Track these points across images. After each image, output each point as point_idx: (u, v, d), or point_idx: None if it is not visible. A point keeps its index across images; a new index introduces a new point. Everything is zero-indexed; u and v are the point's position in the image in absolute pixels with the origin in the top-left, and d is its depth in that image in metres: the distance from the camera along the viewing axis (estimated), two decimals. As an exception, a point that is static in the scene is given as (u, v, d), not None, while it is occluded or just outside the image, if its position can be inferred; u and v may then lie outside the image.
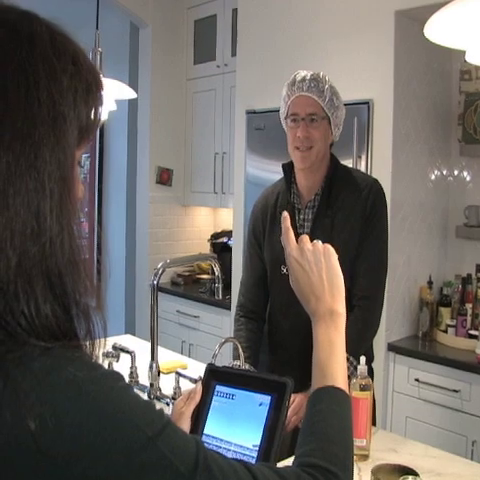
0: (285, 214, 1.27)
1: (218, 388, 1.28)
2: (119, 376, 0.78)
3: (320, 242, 1.22)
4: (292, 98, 2.35)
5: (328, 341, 1.15)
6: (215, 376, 1.31)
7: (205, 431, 1.26)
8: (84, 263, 0.80)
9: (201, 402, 1.29)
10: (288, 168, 2.48)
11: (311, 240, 1.23)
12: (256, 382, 1.25)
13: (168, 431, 0.77)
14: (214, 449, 1.20)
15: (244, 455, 1.19)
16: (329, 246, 1.22)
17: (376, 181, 2.41)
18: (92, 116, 0.83)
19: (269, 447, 1.17)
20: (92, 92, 0.82)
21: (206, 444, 1.22)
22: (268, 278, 2.51)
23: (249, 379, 1.28)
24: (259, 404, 1.21)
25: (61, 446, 0.69)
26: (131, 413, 0.74)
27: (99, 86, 0.84)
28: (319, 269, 1.18)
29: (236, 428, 1.23)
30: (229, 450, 1.21)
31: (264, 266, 2.52)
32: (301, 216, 2.42)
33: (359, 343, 2.29)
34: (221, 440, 1.24)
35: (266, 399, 1.20)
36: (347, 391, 1.10)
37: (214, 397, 1.28)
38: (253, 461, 1.17)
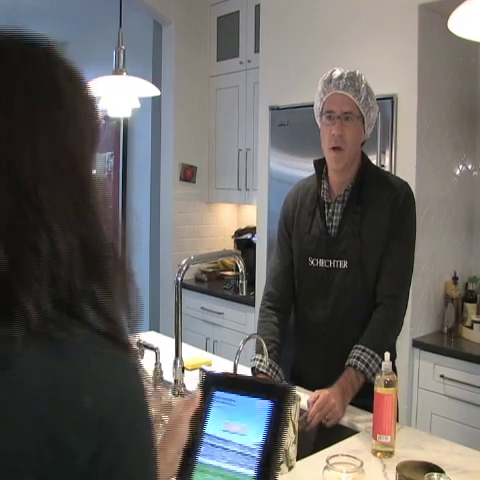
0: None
1: (217, 394, 1.26)
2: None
3: None
4: (328, 95, 2.35)
5: None
6: (213, 383, 1.30)
7: (205, 431, 1.25)
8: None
9: (200, 408, 1.28)
10: (319, 164, 2.49)
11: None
12: (256, 388, 1.24)
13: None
14: (211, 448, 1.21)
15: (244, 455, 1.18)
16: None
17: (407, 184, 2.44)
18: (96, 120, 0.89)
19: (271, 449, 1.15)
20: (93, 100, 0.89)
21: (205, 443, 1.23)
22: (295, 268, 2.52)
23: (249, 385, 1.26)
24: (260, 409, 1.20)
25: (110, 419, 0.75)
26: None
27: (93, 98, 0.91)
28: None
29: (236, 430, 1.22)
30: (228, 450, 1.20)
31: (293, 255, 2.54)
32: (330, 210, 2.43)
33: (383, 342, 2.29)
34: (220, 439, 1.23)
35: (267, 404, 1.19)
36: None
37: (213, 403, 1.27)
38: (254, 461, 1.16)
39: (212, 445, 1.22)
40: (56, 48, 0.86)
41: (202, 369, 2.04)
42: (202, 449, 1.22)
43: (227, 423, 1.22)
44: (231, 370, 2.14)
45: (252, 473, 1.15)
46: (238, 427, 1.21)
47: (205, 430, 1.24)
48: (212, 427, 1.24)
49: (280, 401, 1.18)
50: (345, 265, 2.36)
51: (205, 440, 1.23)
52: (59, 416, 0.72)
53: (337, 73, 2.34)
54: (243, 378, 1.38)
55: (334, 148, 2.34)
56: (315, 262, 2.42)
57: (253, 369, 2.40)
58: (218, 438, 1.22)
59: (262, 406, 1.19)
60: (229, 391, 1.25)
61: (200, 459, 1.20)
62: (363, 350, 2.25)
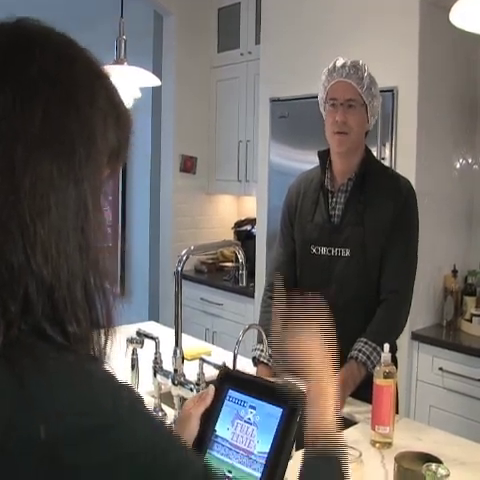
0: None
1: (230, 393, 1.26)
2: (134, 391, 0.78)
3: None
4: (332, 83, 2.36)
5: None
6: (229, 380, 1.29)
7: (216, 433, 1.25)
8: (111, 269, 0.83)
9: (212, 405, 1.27)
10: (323, 155, 2.49)
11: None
12: (269, 392, 1.23)
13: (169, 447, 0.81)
14: (223, 452, 1.21)
15: (250, 460, 1.18)
16: None
17: (409, 181, 2.46)
18: (121, 144, 0.87)
19: (277, 458, 1.16)
20: (121, 120, 0.86)
21: (217, 445, 1.23)
22: (297, 257, 2.52)
23: (263, 388, 1.25)
24: (270, 415, 1.20)
25: (71, 457, 0.68)
26: (141, 438, 0.75)
27: (128, 117, 0.89)
28: None
29: (244, 434, 1.22)
30: (238, 453, 1.21)
31: (295, 245, 2.54)
32: (334, 199, 2.44)
33: (386, 338, 2.27)
34: (229, 443, 1.23)
35: (278, 411, 1.19)
36: None
37: (225, 402, 1.27)
38: (260, 468, 1.16)
39: (222, 445, 1.22)
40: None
41: (202, 359, 2.04)
42: (213, 446, 1.23)
43: (236, 424, 1.22)
44: (230, 360, 2.14)
45: (259, 475, 1.15)
46: (245, 432, 1.21)
47: (216, 428, 1.25)
48: (221, 427, 1.24)
49: (292, 409, 1.18)
50: (347, 253, 2.36)
51: (215, 439, 1.24)
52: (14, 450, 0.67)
53: (340, 62, 2.35)
54: (259, 380, 1.38)
55: (338, 132, 2.35)
56: (317, 250, 2.43)
57: (254, 359, 2.40)
58: (226, 440, 1.22)
59: (273, 412, 1.19)
60: (243, 392, 1.25)
61: (210, 452, 1.21)
62: (365, 342, 2.25)
